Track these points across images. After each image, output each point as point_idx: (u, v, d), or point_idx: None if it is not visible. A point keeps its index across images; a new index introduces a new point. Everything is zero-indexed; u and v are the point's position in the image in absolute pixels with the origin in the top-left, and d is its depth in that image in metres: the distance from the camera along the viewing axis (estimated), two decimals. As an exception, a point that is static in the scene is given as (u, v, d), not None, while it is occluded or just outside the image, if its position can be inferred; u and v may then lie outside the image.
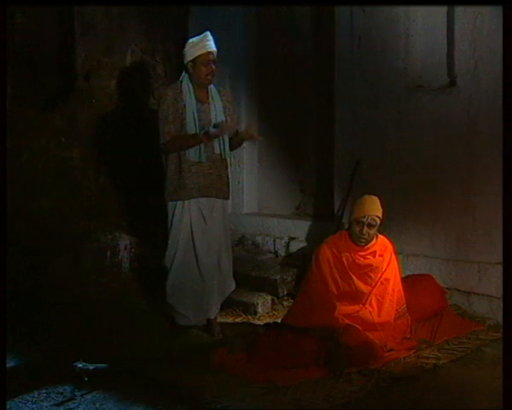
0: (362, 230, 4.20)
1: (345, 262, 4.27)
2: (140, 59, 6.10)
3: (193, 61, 4.38)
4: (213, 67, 4.40)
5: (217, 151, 4.48)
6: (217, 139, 4.44)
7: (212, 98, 4.48)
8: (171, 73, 6.16)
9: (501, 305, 4.34)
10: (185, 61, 4.43)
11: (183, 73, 4.48)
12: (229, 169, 4.68)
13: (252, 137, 4.69)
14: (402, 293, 4.33)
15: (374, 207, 4.25)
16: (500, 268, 4.34)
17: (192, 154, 4.41)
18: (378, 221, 4.23)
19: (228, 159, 4.61)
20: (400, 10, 4.93)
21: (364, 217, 4.20)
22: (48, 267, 5.27)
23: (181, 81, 4.47)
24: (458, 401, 3.43)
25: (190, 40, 4.44)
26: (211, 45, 4.39)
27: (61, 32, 5.57)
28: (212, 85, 4.51)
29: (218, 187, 4.52)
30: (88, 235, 5.65)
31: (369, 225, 4.20)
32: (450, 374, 3.79)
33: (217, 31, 5.39)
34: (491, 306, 4.56)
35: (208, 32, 4.43)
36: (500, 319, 4.34)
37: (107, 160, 5.90)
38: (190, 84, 4.43)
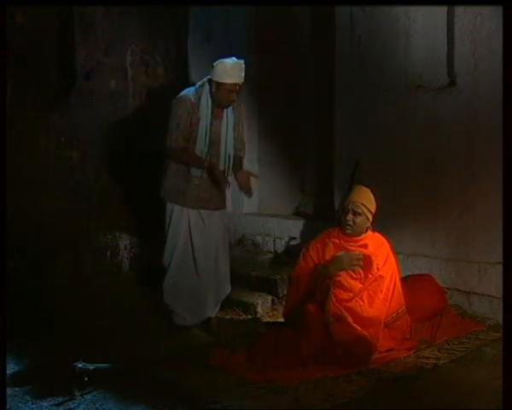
0: (346, 216, 4.23)
1: (332, 247, 4.30)
2: (140, 59, 6.10)
3: (218, 83, 4.36)
4: (235, 95, 4.40)
5: (221, 168, 4.50)
6: (222, 156, 4.48)
7: (227, 116, 4.51)
8: (171, 73, 6.17)
9: (501, 305, 4.34)
10: (211, 77, 4.39)
11: (205, 81, 4.47)
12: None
13: (247, 188, 4.54)
14: (401, 294, 4.31)
15: (360, 196, 4.28)
16: (500, 268, 4.33)
17: (195, 169, 4.45)
18: (364, 210, 4.24)
19: (232, 176, 4.59)
20: (400, 10, 4.93)
21: (349, 203, 4.25)
22: (48, 267, 5.27)
23: (200, 89, 4.46)
24: (458, 401, 3.43)
25: (222, 60, 4.37)
26: (240, 77, 4.37)
27: (61, 32, 5.57)
28: None
29: (217, 200, 4.56)
30: (88, 235, 5.65)
31: (354, 213, 4.23)
32: (450, 374, 3.78)
33: (216, 31, 5.43)
34: (491, 306, 4.56)
35: (242, 62, 4.39)
36: (500, 319, 4.33)
37: (107, 159, 5.90)
38: (210, 100, 4.43)
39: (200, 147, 4.43)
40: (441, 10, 4.73)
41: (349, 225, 4.25)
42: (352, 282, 4.19)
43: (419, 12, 4.85)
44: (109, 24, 5.86)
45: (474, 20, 4.57)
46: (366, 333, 4.01)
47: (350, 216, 4.23)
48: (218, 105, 4.46)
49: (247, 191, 4.56)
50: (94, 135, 5.81)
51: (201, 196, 4.49)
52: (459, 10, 4.64)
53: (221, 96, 4.40)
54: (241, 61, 4.41)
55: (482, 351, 4.10)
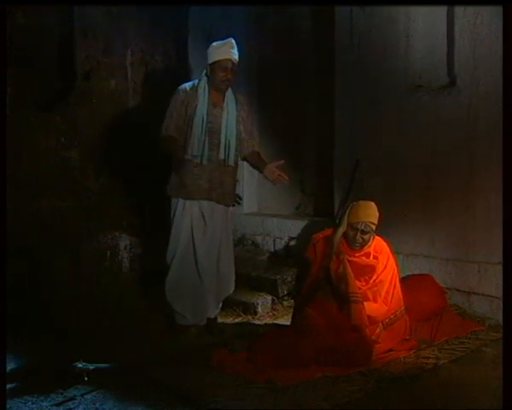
0: (355, 235, 4.26)
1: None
2: (140, 59, 6.10)
3: (212, 64, 4.41)
4: (230, 74, 4.41)
5: (221, 156, 4.47)
6: (222, 144, 4.44)
7: (227, 104, 4.49)
8: (171, 73, 6.17)
9: (501, 305, 4.35)
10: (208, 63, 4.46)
11: (203, 74, 4.51)
12: (237, 176, 4.68)
13: (279, 180, 4.56)
14: (400, 295, 4.33)
15: (368, 213, 4.29)
16: (500, 268, 4.34)
17: (194, 155, 4.42)
18: (373, 227, 4.29)
19: (233, 165, 4.54)
20: (400, 10, 4.93)
21: (359, 223, 4.25)
22: (48, 267, 5.27)
23: (198, 80, 4.52)
24: (458, 401, 3.43)
25: (214, 43, 4.46)
26: (232, 53, 4.40)
27: (61, 32, 5.58)
28: (230, 92, 4.52)
29: (219, 192, 4.52)
30: (88, 235, 5.65)
31: (363, 232, 4.26)
32: (450, 374, 3.78)
33: (217, 31, 5.43)
34: (491, 306, 4.56)
35: (232, 39, 4.45)
36: (500, 319, 4.34)
37: (107, 159, 5.90)
38: (207, 87, 4.46)
39: (197, 134, 4.41)
40: (441, 10, 4.73)
41: (358, 243, 4.28)
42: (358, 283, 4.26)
43: (419, 12, 4.85)
44: (109, 24, 5.86)
45: (474, 20, 4.56)
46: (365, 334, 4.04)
47: (359, 235, 4.26)
48: (216, 88, 4.46)
49: (281, 181, 4.55)
50: (94, 135, 5.82)
51: (202, 185, 4.45)
52: (459, 10, 4.64)
53: (216, 75, 4.41)
54: (230, 39, 4.45)
55: (482, 351, 4.10)
